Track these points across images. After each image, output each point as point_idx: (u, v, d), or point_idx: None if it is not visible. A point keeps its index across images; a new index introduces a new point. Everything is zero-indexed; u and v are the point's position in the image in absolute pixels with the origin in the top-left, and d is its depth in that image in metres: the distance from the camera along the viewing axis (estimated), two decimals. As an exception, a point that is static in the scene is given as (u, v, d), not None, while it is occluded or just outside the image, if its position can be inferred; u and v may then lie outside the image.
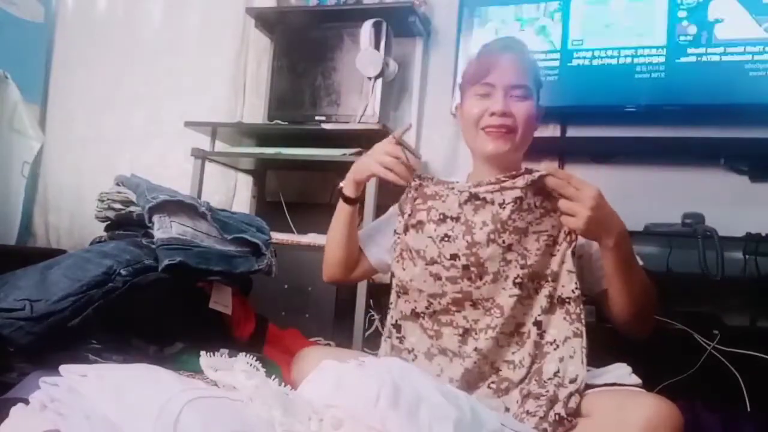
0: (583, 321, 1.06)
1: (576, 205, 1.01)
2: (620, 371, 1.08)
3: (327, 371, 0.86)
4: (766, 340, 1.60)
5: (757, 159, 1.98)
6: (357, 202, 1.25)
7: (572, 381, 1.01)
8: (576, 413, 0.97)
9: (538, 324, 1.06)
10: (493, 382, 1.07)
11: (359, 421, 0.75)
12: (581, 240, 1.12)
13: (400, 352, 1.12)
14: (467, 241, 1.08)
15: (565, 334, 1.04)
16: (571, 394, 0.98)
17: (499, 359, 1.07)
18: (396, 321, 1.15)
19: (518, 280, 1.06)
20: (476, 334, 1.09)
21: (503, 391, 1.06)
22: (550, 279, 1.07)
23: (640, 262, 1.16)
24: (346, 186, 1.24)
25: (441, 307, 1.11)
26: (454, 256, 1.09)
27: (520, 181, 1.07)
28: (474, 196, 1.10)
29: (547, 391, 1.00)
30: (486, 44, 1.27)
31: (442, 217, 1.12)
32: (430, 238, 1.12)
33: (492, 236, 1.07)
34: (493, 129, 1.18)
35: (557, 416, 0.96)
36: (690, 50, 1.98)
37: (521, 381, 1.05)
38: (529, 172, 1.08)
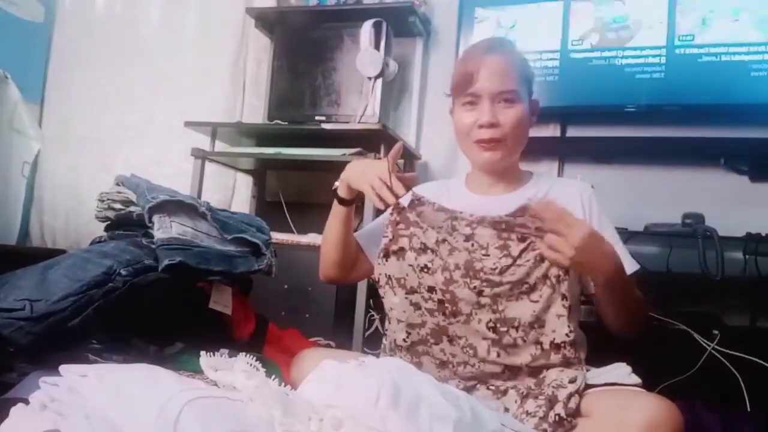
0: (582, 360, 1.07)
1: (563, 242, 0.98)
2: (620, 371, 1.08)
3: (327, 371, 0.86)
4: (766, 341, 1.60)
5: (757, 159, 1.98)
6: (352, 203, 1.23)
7: (572, 381, 1.01)
8: (576, 413, 0.97)
9: (532, 370, 1.05)
10: (491, 385, 1.07)
11: (359, 421, 0.75)
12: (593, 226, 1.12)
13: None
14: (445, 277, 1.07)
15: (568, 377, 1.02)
16: (570, 395, 0.98)
17: (493, 383, 1.08)
18: (383, 352, 1.17)
19: (491, 325, 1.05)
20: (454, 366, 1.09)
21: (502, 392, 1.06)
22: (535, 326, 1.04)
23: (634, 268, 1.16)
24: (340, 187, 1.22)
25: (419, 338, 1.10)
26: (431, 289, 1.08)
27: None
28: (451, 230, 1.09)
29: (547, 393, 1.00)
30: (468, 49, 1.25)
31: (423, 246, 1.11)
32: (410, 266, 1.10)
33: (465, 280, 1.06)
34: (483, 143, 1.17)
35: (557, 417, 0.95)
36: (690, 50, 1.99)
37: (516, 390, 1.05)
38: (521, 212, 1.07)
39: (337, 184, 1.23)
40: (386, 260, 1.13)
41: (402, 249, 1.12)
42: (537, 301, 1.04)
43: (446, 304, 1.07)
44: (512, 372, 1.06)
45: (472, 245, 1.08)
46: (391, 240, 1.14)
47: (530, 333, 1.04)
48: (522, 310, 1.04)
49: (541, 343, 1.04)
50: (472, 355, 1.06)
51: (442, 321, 1.08)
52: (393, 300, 1.12)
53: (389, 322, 1.15)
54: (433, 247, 1.10)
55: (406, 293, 1.10)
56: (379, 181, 1.11)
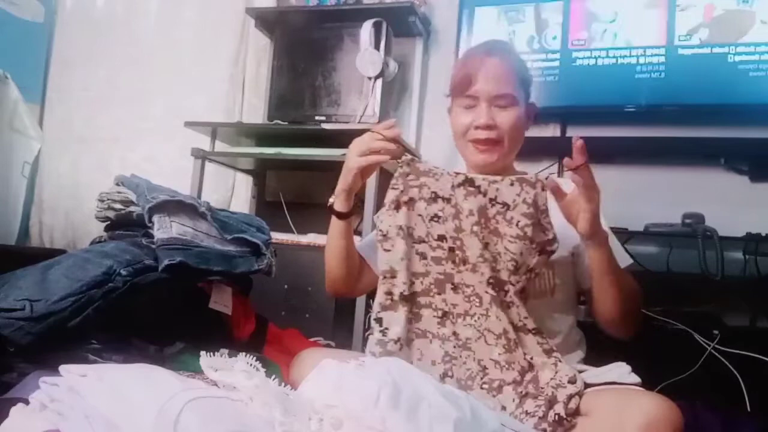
0: (555, 350, 1.07)
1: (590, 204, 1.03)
2: (620, 370, 1.08)
3: (327, 371, 0.86)
4: (766, 340, 1.60)
5: (757, 159, 1.98)
6: (350, 215, 1.23)
7: (571, 381, 1.01)
8: (575, 412, 0.97)
9: (518, 337, 1.05)
10: (484, 383, 1.06)
11: (359, 421, 0.75)
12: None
13: (384, 345, 1.09)
14: (455, 225, 1.09)
15: (567, 376, 1.02)
16: (571, 396, 0.98)
17: (486, 357, 1.06)
18: (377, 314, 1.13)
19: (491, 281, 1.06)
20: (454, 318, 1.08)
21: (496, 389, 1.05)
22: (520, 302, 1.06)
23: (627, 262, 1.18)
24: (337, 200, 1.21)
25: (422, 287, 1.10)
26: (441, 237, 1.10)
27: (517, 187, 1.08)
28: (469, 181, 1.10)
29: (546, 393, 1.00)
30: (468, 51, 1.27)
31: (433, 196, 1.11)
32: (419, 216, 1.11)
33: (475, 228, 1.08)
34: (479, 144, 1.18)
35: (557, 416, 0.95)
36: (690, 51, 1.99)
37: (514, 381, 1.04)
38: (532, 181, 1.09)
39: (332, 200, 1.22)
40: (396, 211, 1.12)
41: (412, 199, 1.12)
42: (518, 282, 1.07)
43: (456, 252, 1.08)
44: (507, 340, 1.05)
45: (487, 197, 1.09)
46: (401, 191, 1.13)
47: (515, 304, 1.06)
48: (512, 281, 1.06)
49: (523, 318, 1.06)
50: (477, 305, 1.07)
51: (450, 268, 1.09)
52: (404, 249, 1.10)
53: (396, 276, 1.11)
54: (446, 195, 1.10)
55: (414, 242, 1.11)
56: (366, 146, 1.13)
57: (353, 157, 1.15)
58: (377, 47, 2.09)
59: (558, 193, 1.06)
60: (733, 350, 1.57)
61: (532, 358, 1.05)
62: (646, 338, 1.54)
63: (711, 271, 1.65)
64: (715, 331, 1.61)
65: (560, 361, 1.05)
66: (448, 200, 1.10)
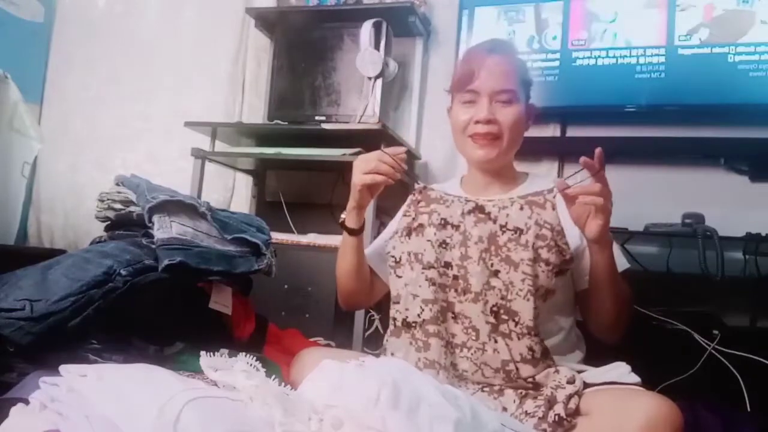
0: (579, 337, 1.09)
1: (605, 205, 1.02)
2: (619, 370, 1.08)
3: (327, 371, 0.86)
4: (766, 341, 1.60)
5: (757, 159, 1.98)
6: (361, 231, 1.24)
7: (570, 382, 1.01)
8: (575, 412, 0.97)
9: (518, 370, 1.05)
10: (485, 386, 1.07)
11: (359, 421, 0.75)
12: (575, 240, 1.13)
13: None
14: (461, 253, 1.09)
15: (566, 377, 1.03)
16: (570, 396, 0.98)
17: (486, 384, 1.07)
18: (386, 339, 1.16)
19: (494, 309, 1.05)
20: (452, 348, 1.09)
21: (498, 392, 1.06)
22: (531, 333, 1.04)
23: (624, 267, 1.18)
24: (349, 216, 1.22)
25: (431, 315, 1.09)
26: (447, 265, 1.09)
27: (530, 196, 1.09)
28: (479, 208, 1.11)
29: (546, 394, 1.00)
30: (471, 48, 1.27)
31: (443, 222, 1.12)
32: (429, 242, 1.11)
33: (483, 255, 1.07)
34: (479, 137, 1.18)
35: (557, 417, 0.95)
36: (690, 51, 1.99)
37: (514, 391, 1.05)
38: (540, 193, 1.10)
39: (343, 216, 1.23)
40: (408, 238, 1.14)
41: (421, 225, 1.13)
42: (540, 306, 1.05)
43: (459, 280, 1.08)
44: (507, 374, 1.05)
45: (497, 223, 1.09)
46: (413, 218, 1.15)
47: (525, 336, 1.04)
48: (527, 310, 1.04)
49: (533, 351, 1.05)
50: (474, 338, 1.07)
51: (452, 297, 1.09)
52: (410, 275, 1.12)
53: (398, 303, 1.13)
54: (455, 222, 1.11)
55: (423, 268, 1.11)
56: (375, 158, 1.14)
57: (358, 174, 1.16)
58: (377, 47, 2.09)
59: (568, 198, 1.05)
60: (733, 350, 1.57)
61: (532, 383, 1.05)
62: (646, 338, 1.55)
63: (711, 271, 1.64)
64: (715, 331, 1.61)
65: (553, 364, 1.06)
66: (457, 227, 1.11)
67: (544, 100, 2.06)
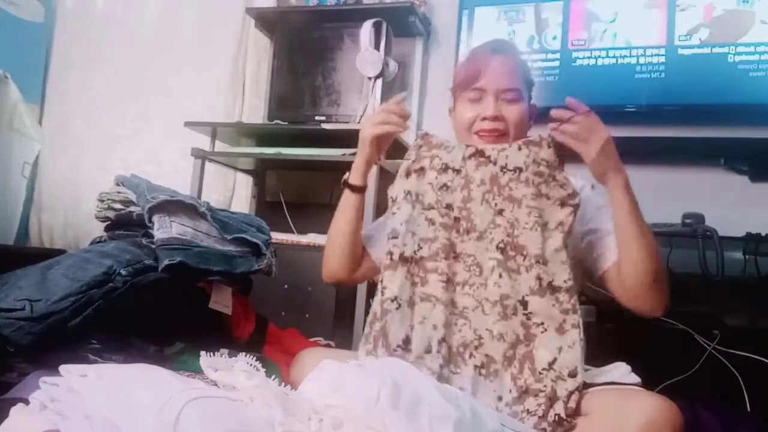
0: (579, 313, 1.06)
1: (590, 133, 1.06)
2: (620, 370, 1.08)
3: (327, 371, 0.86)
4: (766, 341, 1.60)
5: (757, 159, 1.98)
6: (364, 190, 1.25)
7: (571, 375, 1.00)
8: (575, 412, 0.97)
9: (524, 304, 1.05)
10: (482, 366, 1.04)
11: (359, 421, 0.75)
12: (589, 215, 1.14)
13: (381, 304, 1.09)
14: (463, 195, 1.12)
15: (556, 322, 1.03)
16: (570, 393, 0.98)
17: (482, 327, 1.06)
18: (381, 276, 1.14)
19: (501, 245, 1.08)
20: (453, 286, 1.10)
21: (492, 374, 1.04)
22: (540, 261, 1.06)
23: None
24: (354, 173, 1.24)
25: (430, 252, 1.11)
26: (449, 206, 1.12)
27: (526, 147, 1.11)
28: (479, 152, 1.13)
29: (545, 386, 1.00)
30: (475, 48, 1.28)
31: (444, 167, 1.14)
32: (429, 184, 1.14)
33: (486, 196, 1.10)
34: (485, 133, 1.19)
35: (557, 416, 0.95)
36: (690, 51, 1.99)
37: (508, 363, 1.03)
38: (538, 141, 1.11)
39: (346, 175, 1.25)
40: (407, 178, 1.16)
41: (422, 168, 1.15)
42: (548, 240, 1.07)
43: (461, 221, 1.11)
44: (503, 308, 1.05)
45: (497, 165, 1.11)
46: (413, 161, 1.17)
47: (534, 266, 1.05)
48: (534, 240, 1.06)
49: (540, 279, 1.05)
50: (477, 274, 1.08)
51: (454, 237, 1.11)
52: (409, 212, 1.13)
53: (396, 237, 1.13)
54: (457, 166, 1.13)
55: (423, 209, 1.13)
56: (381, 111, 1.19)
57: (367, 128, 1.20)
58: (377, 47, 2.09)
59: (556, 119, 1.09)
60: (733, 350, 1.57)
61: (529, 329, 1.05)
62: (646, 338, 1.55)
63: (711, 271, 1.64)
64: (715, 331, 1.61)
65: (576, 326, 1.04)
66: (458, 171, 1.14)
67: (545, 100, 2.06)
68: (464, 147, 1.15)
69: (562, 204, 1.09)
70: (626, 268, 1.08)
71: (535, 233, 1.06)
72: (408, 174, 1.16)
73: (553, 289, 1.06)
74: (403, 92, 1.25)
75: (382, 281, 1.13)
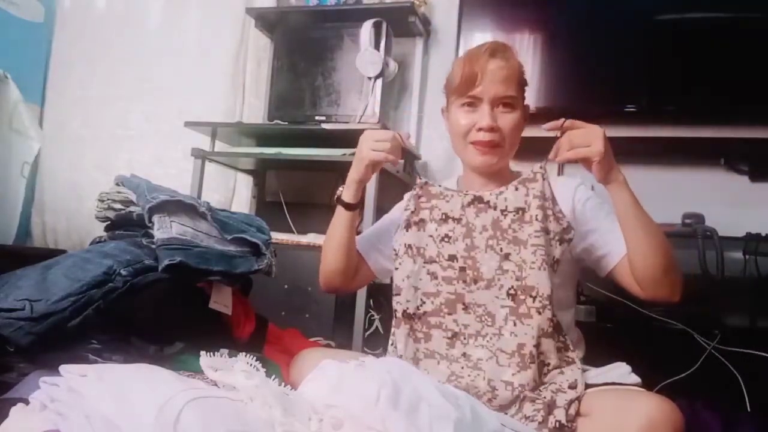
0: (572, 349, 1.07)
1: (587, 134, 1.06)
2: (620, 370, 1.08)
3: (327, 371, 0.86)
4: (766, 340, 1.60)
5: (757, 159, 1.98)
6: (358, 206, 1.24)
7: (571, 387, 1.01)
8: (576, 415, 0.97)
9: (537, 346, 1.03)
10: (489, 400, 1.05)
11: (359, 421, 0.75)
12: (588, 214, 1.13)
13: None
14: (466, 244, 1.10)
15: (568, 381, 1.03)
16: (571, 402, 0.98)
17: (497, 378, 1.04)
18: (392, 330, 1.16)
19: (511, 291, 1.06)
20: (465, 339, 1.08)
21: (499, 407, 1.05)
22: (550, 302, 1.04)
23: None
24: (347, 190, 1.22)
25: (433, 307, 1.10)
26: (452, 257, 1.10)
27: (523, 188, 1.09)
28: (477, 199, 1.12)
29: (544, 397, 1.00)
30: (472, 50, 1.24)
31: (444, 217, 1.13)
32: (430, 237, 1.13)
33: (490, 242, 1.08)
34: (481, 146, 1.17)
35: (557, 423, 0.95)
36: None
37: (519, 403, 1.03)
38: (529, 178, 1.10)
39: (340, 190, 1.24)
40: (407, 231, 1.16)
41: (423, 220, 1.15)
42: (557, 282, 1.07)
43: (467, 271, 1.09)
44: (521, 357, 1.03)
45: (498, 209, 1.11)
46: (412, 212, 1.16)
47: (546, 308, 1.04)
48: (543, 280, 1.05)
49: (551, 320, 1.05)
50: (489, 324, 1.07)
51: (461, 289, 1.09)
52: (411, 268, 1.13)
53: (400, 294, 1.13)
54: (457, 215, 1.12)
55: (425, 262, 1.12)
56: (380, 143, 1.17)
57: (367, 148, 1.17)
58: (377, 47, 2.09)
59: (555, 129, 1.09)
60: (733, 350, 1.57)
61: (545, 373, 1.04)
62: (646, 338, 1.54)
63: (711, 271, 1.64)
64: (715, 331, 1.61)
65: (573, 361, 1.05)
66: (458, 220, 1.12)
67: (545, 100, 2.06)
68: (463, 195, 1.13)
69: (560, 240, 1.08)
70: (637, 261, 1.07)
71: (543, 272, 1.05)
72: (408, 227, 1.15)
73: (556, 327, 1.06)
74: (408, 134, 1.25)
75: (393, 334, 1.14)
